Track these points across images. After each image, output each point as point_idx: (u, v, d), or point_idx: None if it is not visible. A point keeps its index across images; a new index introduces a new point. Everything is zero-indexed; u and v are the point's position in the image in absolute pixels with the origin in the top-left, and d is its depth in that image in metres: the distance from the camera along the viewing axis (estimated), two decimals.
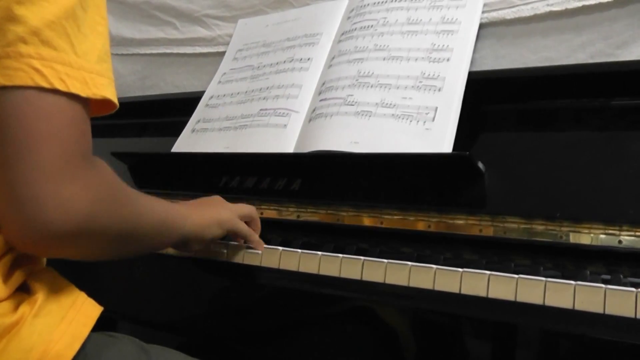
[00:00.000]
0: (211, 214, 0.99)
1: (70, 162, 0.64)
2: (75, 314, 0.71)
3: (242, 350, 1.16)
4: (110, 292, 1.25)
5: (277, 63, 1.41)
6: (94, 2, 0.70)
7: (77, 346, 0.69)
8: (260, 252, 1.04)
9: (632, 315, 0.75)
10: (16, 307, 0.67)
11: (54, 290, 0.72)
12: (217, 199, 1.05)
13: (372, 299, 0.95)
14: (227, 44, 1.59)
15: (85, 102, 0.67)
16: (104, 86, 0.68)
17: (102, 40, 0.70)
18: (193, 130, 1.44)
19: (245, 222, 1.05)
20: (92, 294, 0.76)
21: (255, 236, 1.05)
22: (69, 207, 0.63)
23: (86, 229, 0.66)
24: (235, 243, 1.07)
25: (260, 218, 1.08)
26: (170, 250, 1.12)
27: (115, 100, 0.70)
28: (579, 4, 1.13)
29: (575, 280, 0.80)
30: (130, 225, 0.76)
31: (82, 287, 0.76)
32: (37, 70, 0.63)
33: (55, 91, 0.64)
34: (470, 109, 1.10)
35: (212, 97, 1.48)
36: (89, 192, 0.65)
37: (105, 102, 0.70)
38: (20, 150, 0.62)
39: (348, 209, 1.13)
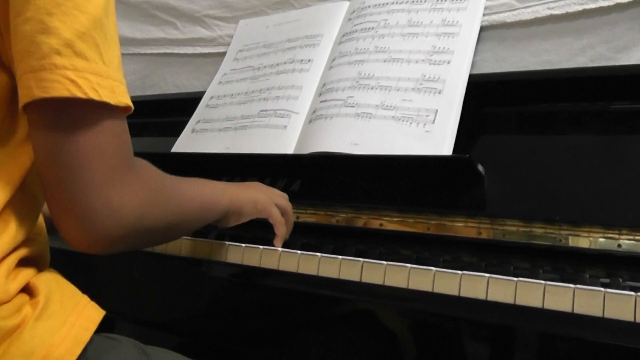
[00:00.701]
0: (248, 192, 1.01)
1: (117, 173, 0.69)
2: (78, 317, 0.71)
3: (241, 351, 1.16)
4: (109, 292, 1.25)
5: (278, 64, 1.41)
6: (112, 10, 0.71)
7: (78, 351, 0.69)
8: (260, 248, 1.03)
9: (631, 319, 0.75)
10: (19, 309, 0.67)
11: (57, 292, 0.72)
12: (257, 183, 1.07)
13: (371, 301, 0.95)
14: (228, 44, 1.59)
15: (121, 113, 0.70)
16: (125, 93, 0.70)
17: (119, 47, 0.72)
18: (193, 131, 1.44)
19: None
20: (91, 293, 0.76)
21: (283, 228, 1.05)
22: (120, 215, 0.69)
23: (137, 229, 0.72)
24: (234, 244, 1.07)
25: (260, 219, 1.08)
26: (170, 250, 1.12)
27: (132, 106, 0.72)
28: (580, 8, 1.13)
29: (574, 283, 0.80)
30: (175, 216, 0.82)
31: (81, 287, 0.76)
32: (72, 81, 0.65)
33: (94, 104, 0.66)
34: (470, 112, 1.10)
35: (212, 97, 1.48)
36: (135, 197, 0.71)
37: (122, 108, 0.72)
38: (72, 172, 0.67)
39: (347, 210, 1.13)
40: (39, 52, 0.64)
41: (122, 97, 0.69)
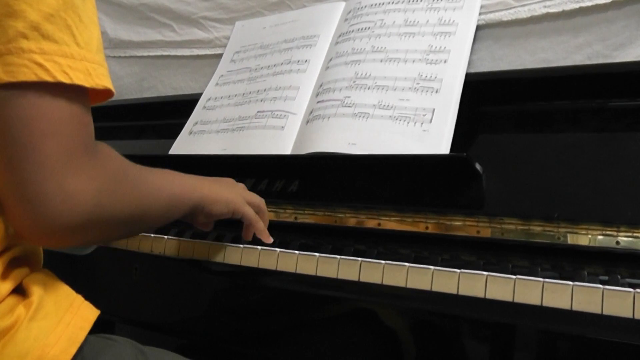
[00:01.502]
0: (221, 190, 0.98)
1: (73, 156, 0.65)
2: (72, 317, 0.71)
3: (239, 352, 1.16)
4: (108, 293, 1.25)
5: (275, 65, 1.41)
6: None
7: (73, 350, 0.69)
8: (258, 248, 1.03)
9: (630, 316, 0.75)
10: (12, 310, 0.67)
11: (51, 292, 0.71)
12: (229, 180, 1.05)
13: (369, 300, 0.95)
14: (225, 46, 1.59)
15: (85, 93, 0.68)
16: (104, 76, 0.69)
17: (98, 29, 0.71)
18: (190, 132, 1.44)
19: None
20: (89, 295, 0.76)
21: (260, 223, 1.04)
22: (75, 201, 0.65)
23: (94, 218, 0.67)
24: (233, 245, 1.07)
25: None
26: (168, 252, 1.12)
27: (113, 89, 0.71)
28: (576, 6, 1.13)
29: (572, 281, 0.80)
30: (138, 207, 0.78)
31: (79, 289, 0.76)
32: (39, 64, 0.63)
33: (57, 86, 0.64)
34: (467, 111, 1.10)
35: (209, 99, 1.48)
36: (93, 183, 0.67)
37: (102, 91, 0.70)
38: (23, 150, 0.63)
39: (346, 210, 1.13)
40: (5, 36, 0.63)
41: (99, 80, 0.68)
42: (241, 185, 1.06)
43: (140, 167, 0.79)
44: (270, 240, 1.04)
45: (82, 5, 0.68)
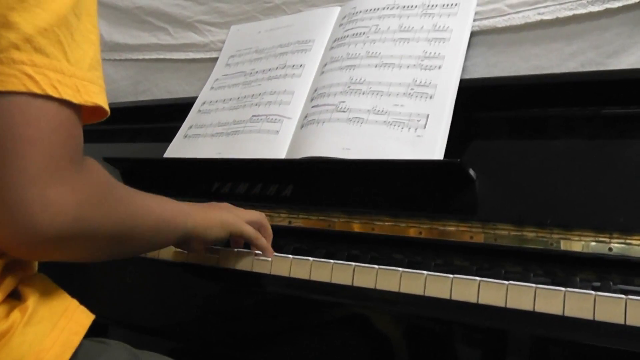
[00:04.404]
0: (215, 215, 0.98)
1: (57, 165, 0.64)
2: (67, 322, 0.70)
3: (233, 356, 1.16)
4: (102, 297, 1.25)
5: (270, 69, 1.41)
6: (87, 11, 0.70)
7: (68, 355, 0.69)
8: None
9: (622, 322, 0.75)
10: (7, 315, 0.66)
11: (46, 297, 0.71)
12: (225, 204, 1.04)
13: (363, 305, 0.95)
14: (220, 50, 1.59)
15: (76, 108, 0.67)
16: (95, 93, 0.68)
17: (94, 48, 0.70)
18: (185, 136, 1.44)
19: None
20: (83, 298, 0.76)
21: (262, 240, 1.04)
22: (56, 210, 0.63)
23: (75, 231, 0.66)
24: (227, 249, 1.07)
25: None
26: (162, 255, 1.12)
27: (107, 108, 0.71)
28: (570, 13, 1.14)
29: (565, 287, 0.80)
30: (123, 226, 0.76)
31: (73, 292, 0.76)
32: (29, 76, 0.63)
33: (46, 97, 0.64)
34: (461, 117, 1.10)
35: (204, 102, 1.48)
36: (76, 194, 0.65)
37: (97, 110, 0.70)
38: (6, 155, 0.62)
39: (340, 215, 1.13)
40: None
41: (89, 97, 0.67)
42: (239, 208, 1.05)
43: (129, 188, 0.79)
44: (273, 256, 1.04)
45: (76, 23, 0.68)
